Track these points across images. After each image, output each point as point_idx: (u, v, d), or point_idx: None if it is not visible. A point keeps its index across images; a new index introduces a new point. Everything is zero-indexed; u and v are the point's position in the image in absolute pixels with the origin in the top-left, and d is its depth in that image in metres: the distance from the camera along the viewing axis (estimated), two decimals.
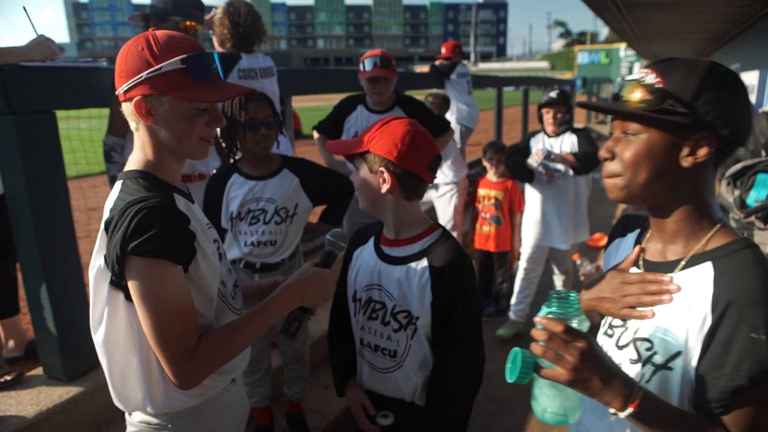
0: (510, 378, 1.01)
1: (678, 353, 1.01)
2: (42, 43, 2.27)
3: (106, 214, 1.22)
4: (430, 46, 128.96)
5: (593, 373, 0.94)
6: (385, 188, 1.50)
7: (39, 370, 2.44)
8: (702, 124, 0.99)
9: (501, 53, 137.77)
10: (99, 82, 2.43)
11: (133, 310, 1.21)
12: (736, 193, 2.93)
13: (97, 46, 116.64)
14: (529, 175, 3.76)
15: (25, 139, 2.17)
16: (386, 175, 1.49)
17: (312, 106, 14.19)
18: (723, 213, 3.30)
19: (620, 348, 1.12)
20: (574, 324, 1.00)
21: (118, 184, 1.27)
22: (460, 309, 1.53)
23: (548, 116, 3.72)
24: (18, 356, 2.78)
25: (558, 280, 4.19)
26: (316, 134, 3.47)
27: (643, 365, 1.06)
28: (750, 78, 6.83)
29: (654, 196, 1.07)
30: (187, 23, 2.84)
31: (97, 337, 1.27)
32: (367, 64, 3.14)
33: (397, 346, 1.57)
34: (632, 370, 1.08)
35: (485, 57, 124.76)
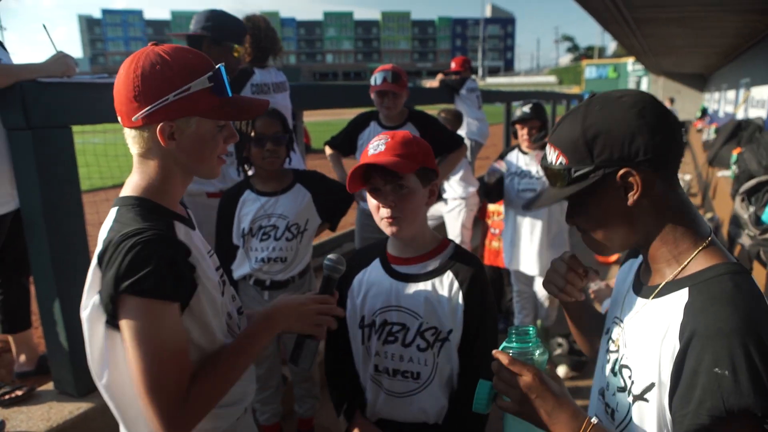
0: (473, 407, 1.09)
1: (652, 385, 0.97)
2: (60, 59, 2.30)
3: (99, 246, 1.13)
4: (438, 60, 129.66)
5: (538, 405, 0.99)
6: (431, 201, 1.53)
7: (50, 386, 2.43)
8: (614, 166, 0.98)
9: (509, 68, 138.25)
10: None
11: None
12: (751, 209, 2.90)
13: (109, 60, 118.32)
14: (496, 194, 3.65)
15: (42, 154, 2.19)
16: (436, 186, 1.52)
17: (320, 121, 14.26)
18: (738, 229, 3.28)
19: (614, 374, 1.11)
20: (536, 356, 1.06)
21: (113, 212, 1.18)
22: (489, 319, 1.55)
23: (523, 132, 3.57)
24: (29, 371, 2.78)
25: (546, 302, 3.94)
26: (328, 150, 3.48)
27: (628, 394, 1.03)
28: (761, 93, 6.80)
29: (624, 241, 1.06)
30: (238, 48, 2.86)
31: (102, 382, 1.17)
32: (377, 78, 3.16)
33: (423, 366, 1.52)
34: (621, 399, 1.06)
35: (493, 71, 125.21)
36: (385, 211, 1.46)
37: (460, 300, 1.51)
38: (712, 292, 0.93)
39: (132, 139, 1.18)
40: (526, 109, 3.51)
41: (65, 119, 2.29)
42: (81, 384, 2.34)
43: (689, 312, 0.92)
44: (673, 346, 0.92)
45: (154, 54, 1.12)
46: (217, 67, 1.17)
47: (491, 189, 3.66)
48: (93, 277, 1.12)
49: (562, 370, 3.76)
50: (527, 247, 3.61)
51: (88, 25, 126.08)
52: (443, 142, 3.31)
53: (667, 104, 17.86)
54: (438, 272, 1.53)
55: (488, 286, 1.57)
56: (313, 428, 2.73)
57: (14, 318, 2.77)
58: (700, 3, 4.75)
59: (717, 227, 4.77)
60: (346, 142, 3.39)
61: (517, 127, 3.57)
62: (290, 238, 2.35)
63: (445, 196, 4.82)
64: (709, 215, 5.88)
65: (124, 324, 1.08)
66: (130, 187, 1.20)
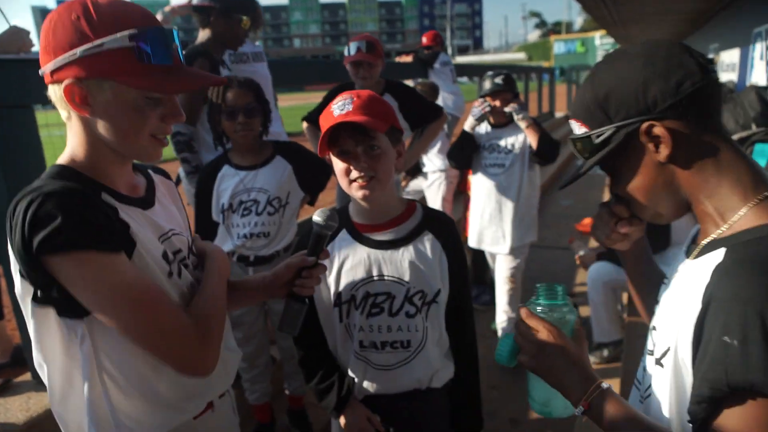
0: (495, 358, 1.06)
1: (668, 350, 0.91)
2: (14, 34, 2.17)
3: None
4: (406, 41, 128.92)
5: (550, 363, 0.97)
6: (399, 162, 1.45)
7: (27, 376, 2.33)
8: (634, 122, 0.91)
9: (478, 46, 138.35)
10: None
11: (69, 325, 1.00)
12: None
13: None
14: (464, 159, 3.44)
15: (3, 136, 2.07)
16: (402, 147, 1.46)
17: (293, 105, 14.05)
18: None
19: (648, 336, 1.05)
20: (562, 314, 1.03)
21: None
22: (465, 270, 1.55)
23: (495, 104, 3.31)
24: (4, 363, 2.67)
25: (501, 287, 3.52)
26: (305, 124, 3.39)
27: (652, 357, 0.98)
28: (731, 56, 6.89)
29: (673, 204, 0.97)
30: (245, 20, 2.73)
31: (36, 362, 1.06)
32: (351, 49, 3.08)
33: (414, 332, 1.47)
34: (647, 361, 1.02)
35: (462, 50, 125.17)
36: (356, 173, 1.36)
37: (445, 258, 1.48)
38: (744, 254, 0.83)
39: (52, 98, 1.04)
40: (498, 80, 3.27)
41: (24, 98, 2.16)
42: None
43: (716, 274, 0.84)
44: (696, 310, 0.84)
45: (80, 3, 0.99)
46: (154, 27, 1.01)
47: (465, 141, 3.37)
48: (11, 253, 0.99)
49: None
50: (495, 225, 3.42)
51: (43, 16, 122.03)
52: (422, 113, 3.25)
53: None
54: (416, 234, 1.48)
55: (460, 239, 1.56)
56: (303, 406, 2.69)
57: None
58: None
59: None
60: None
61: (488, 99, 3.32)
62: (272, 213, 2.27)
63: (424, 170, 4.78)
64: None
65: (73, 289, 0.96)
66: (60, 158, 1.08)
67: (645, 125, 0.90)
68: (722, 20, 7.82)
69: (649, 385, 0.98)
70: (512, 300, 3.52)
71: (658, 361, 0.94)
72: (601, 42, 34.47)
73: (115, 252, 0.98)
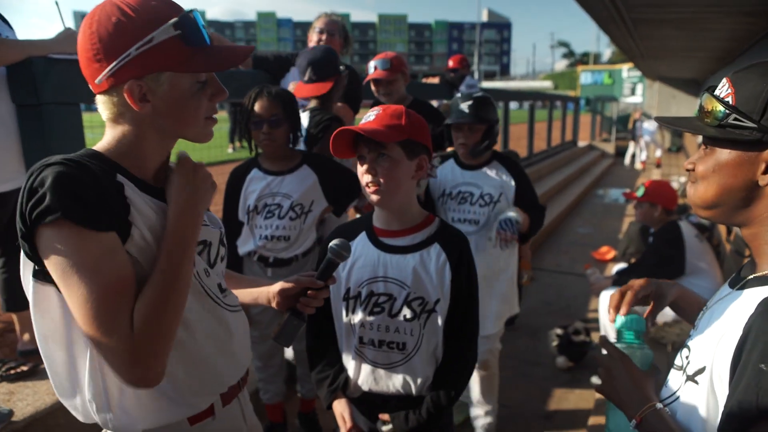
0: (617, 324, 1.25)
1: (703, 368, 0.95)
2: (70, 36, 2.32)
3: None
4: (434, 64, 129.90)
5: (616, 382, 1.08)
6: (419, 174, 1.53)
7: None
8: None
9: (504, 72, 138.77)
10: None
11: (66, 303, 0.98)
12: None
13: None
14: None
15: (51, 131, 2.20)
16: (424, 161, 1.53)
17: None
18: None
19: (677, 353, 1.12)
20: (635, 350, 1.17)
21: None
22: (475, 291, 1.58)
23: (458, 135, 2.52)
24: (33, 349, 2.78)
25: (474, 376, 2.65)
26: None
27: (682, 373, 1.04)
28: None
29: (729, 212, 0.99)
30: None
31: (36, 335, 1.05)
32: (370, 68, 3.20)
33: (409, 336, 1.55)
34: (674, 376, 1.09)
35: (489, 76, 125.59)
36: (367, 177, 1.48)
37: (448, 271, 1.53)
38: None
39: (102, 105, 1.06)
40: (465, 106, 2.44)
41: (74, 97, 2.31)
42: None
43: (761, 306, 0.88)
44: (737, 336, 0.89)
45: (112, 5, 1.01)
46: (187, 12, 1.04)
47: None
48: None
49: (561, 361, 3.80)
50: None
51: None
52: (444, 134, 3.33)
53: (636, 116, 16.25)
54: (425, 244, 1.56)
55: (473, 260, 1.60)
56: (315, 410, 2.75)
57: (18, 296, 2.77)
58: (698, 4, 4.82)
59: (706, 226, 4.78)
60: None
61: (452, 131, 2.54)
62: (294, 218, 2.37)
63: None
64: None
65: (47, 261, 0.95)
66: (93, 146, 1.10)
67: None
68: (749, 59, 7.83)
69: (674, 397, 1.05)
70: (487, 390, 2.72)
71: (690, 378, 1.00)
72: (629, 75, 34.30)
73: (94, 229, 0.95)
